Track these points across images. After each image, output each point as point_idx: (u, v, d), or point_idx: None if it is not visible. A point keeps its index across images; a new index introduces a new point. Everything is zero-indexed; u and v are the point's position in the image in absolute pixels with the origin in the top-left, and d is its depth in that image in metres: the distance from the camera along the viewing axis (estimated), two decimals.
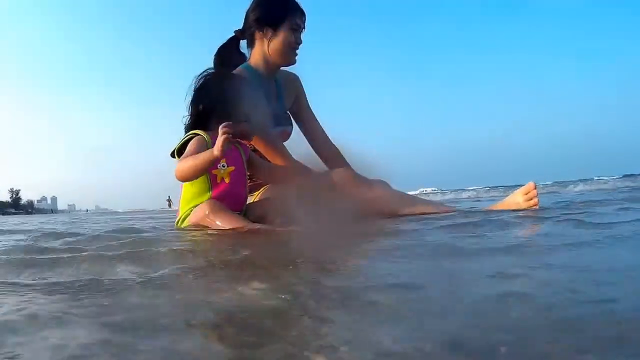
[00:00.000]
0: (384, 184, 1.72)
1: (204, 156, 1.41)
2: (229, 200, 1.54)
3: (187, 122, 1.63)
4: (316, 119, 2.02)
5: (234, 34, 1.89)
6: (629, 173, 11.23)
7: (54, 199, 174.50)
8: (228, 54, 1.87)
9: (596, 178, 11.77)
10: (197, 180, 1.52)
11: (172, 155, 1.61)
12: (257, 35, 1.81)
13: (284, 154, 1.71)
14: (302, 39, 1.82)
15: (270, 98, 1.85)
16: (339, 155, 1.97)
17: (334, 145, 1.98)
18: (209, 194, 1.54)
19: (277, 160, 1.69)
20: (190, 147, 1.52)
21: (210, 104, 1.58)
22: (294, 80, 2.01)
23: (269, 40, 1.79)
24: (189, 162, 1.44)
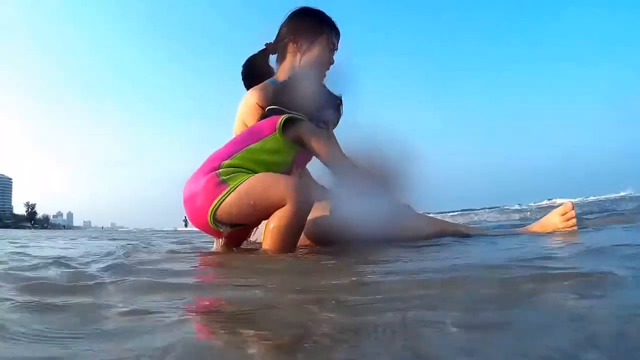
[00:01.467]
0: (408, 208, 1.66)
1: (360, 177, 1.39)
2: None
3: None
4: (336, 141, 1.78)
5: (264, 47, 1.78)
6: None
7: (70, 214, 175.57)
8: (257, 66, 1.78)
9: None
10: (285, 151, 1.39)
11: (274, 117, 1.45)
12: (290, 47, 1.72)
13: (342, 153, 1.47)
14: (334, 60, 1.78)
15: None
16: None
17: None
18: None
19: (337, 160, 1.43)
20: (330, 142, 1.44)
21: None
22: None
23: (303, 54, 1.70)
24: (347, 163, 1.40)
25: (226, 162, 1.34)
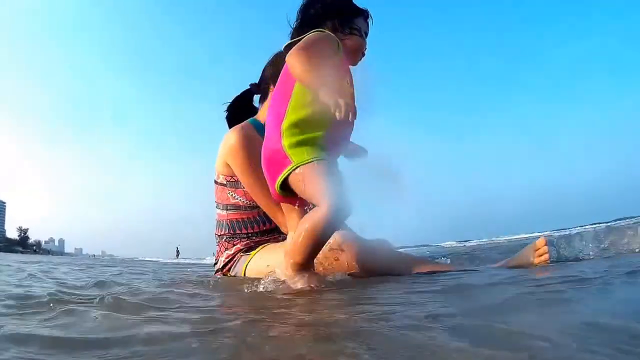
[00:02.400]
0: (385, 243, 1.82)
1: (315, 75, 1.22)
2: None
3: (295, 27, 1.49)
4: None
5: (249, 87, 1.92)
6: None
7: (61, 241, 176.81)
8: (240, 106, 1.90)
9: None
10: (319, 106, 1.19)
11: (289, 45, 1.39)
12: (271, 90, 1.79)
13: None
14: None
15: None
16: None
17: None
18: (321, 133, 1.32)
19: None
20: (316, 40, 1.37)
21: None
22: None
23: None
24: (309, 67, 1.24)
25: (285, 124, 1.32)
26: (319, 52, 1.34)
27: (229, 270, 1.74)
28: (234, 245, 1.76)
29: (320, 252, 1.35)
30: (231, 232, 1.78)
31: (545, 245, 1.49)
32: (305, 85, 1.30)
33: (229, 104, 1.93)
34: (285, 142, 1.31)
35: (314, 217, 1.22)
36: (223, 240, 1.80)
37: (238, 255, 1.73)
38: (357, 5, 1.57)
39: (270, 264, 1.54)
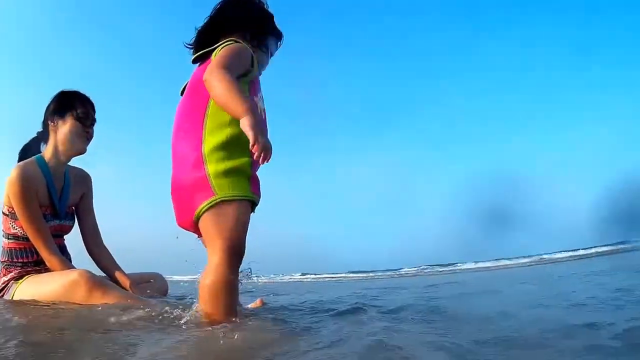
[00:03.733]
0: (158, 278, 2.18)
1: (238, 101, 1.16)
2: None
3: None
4: (95, 219, 2.14)
5: (36, 134, 2.02)
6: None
7: None
8: (31, 152, 1.98)
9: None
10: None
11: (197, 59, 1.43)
12: (50, 127, 1.90)
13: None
14: (93, 132, 1.94)
15: (56, 191, 1.93)
16: (110, 256, 2.11)
17: (105, 246, 2.12)
18: (247, 159, 1.28)
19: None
20: (236, 55, 1.30)
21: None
22: (85, 177, 2.13)
23: (58, 129, 1.89)
24: (225, 85, 1.18)
25: (206, 148, 1.26)
26: (240, 69, 1.31)
27: (2, 295, 1.84)
28: (10, 272, 1.88)
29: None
30: (9, 259, 1.89)
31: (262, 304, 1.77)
32: (225, 111, 1.24)
33: (20, 152, 2.04)
34: (211, 168, 1.25)
35: (213, 274, 1.19)
36: (2, 266, 1.93)
37: (11, 282, 1.84)
38: (277, 25, 1.56)
39: (34, 292, 1.72)
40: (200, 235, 1.32)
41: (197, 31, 1.49)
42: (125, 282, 1.95)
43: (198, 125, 1.29)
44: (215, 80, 1.21)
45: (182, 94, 1.47)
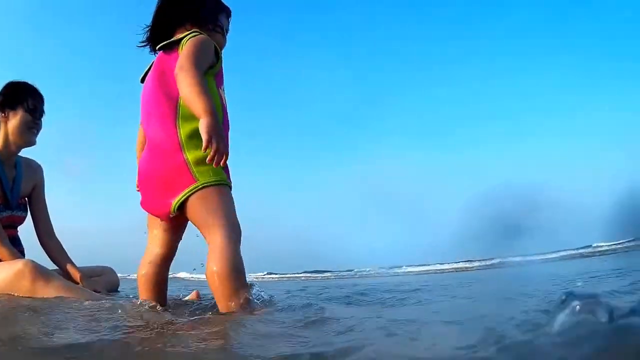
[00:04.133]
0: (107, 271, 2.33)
1: (200, 101, 1.18)
2: None
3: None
4: (47, 211, 2.20)
5: None
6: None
7: None
8: None
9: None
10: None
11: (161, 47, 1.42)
12: (0, 117, 1.98)
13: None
14: (41, 123, 2.05)
15: (8, 181, 2.01)
16: (61, 248, 2.17)
17: (57, 238, 2.19)
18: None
19: None
20: (202, 50, 1.33)
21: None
22: (36, 168, 2.19)
23: (8, 121, 1.97)
24: (190, 82, 1.21)
25: (182, 133, 1.28)
26: (206, 64, 1.34)
27: None
28: None
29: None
30: None
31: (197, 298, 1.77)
32: (188, 107, 1.25)
33: None
34: (190, 156, 1.26)
35: (220, 257, 1.17)
36: None
37: None
38: (222, 1, 1.57)
39: None
40: (167, 221, 1.35)
41: (150, 26, 1.50)
42: (76, 275, 2.06)
43: (171, 111, 1.31)
44: (182, 76, 1.24)
45: (142, 81, 1.49)
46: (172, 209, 1.27)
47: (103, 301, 1.43)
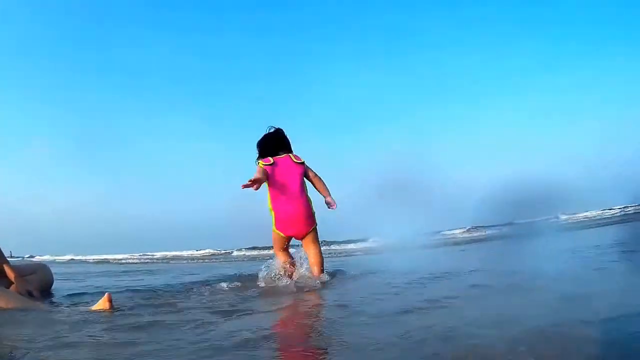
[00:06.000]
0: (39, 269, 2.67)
1: (327, 190, 3.32)
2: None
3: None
4: None
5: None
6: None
7: None
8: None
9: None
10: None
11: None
12: None
13: None
14: None
15: None
16: None
17: None
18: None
19: None
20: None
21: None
22: None
23: None
24: (321, 180, 3.34)
25: (309, 200, 3.23)
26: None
27: None
28: None
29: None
30: None
31: (110, 301, 1.96)
32: (320, 190, 3.40)
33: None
34: (313, 212, 3.21)
35: (321, 257, 3.24)
36: None
37: None
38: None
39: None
40: (298, 238, 3.19)
41: (267, 142, 3.33)
42: (11, 275, 2.34)
43: (304, 189, 3.20)
44: (319, 178, 3.34)
45: (269, 165, 3.16)
46: (305, 233, 3.15)
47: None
